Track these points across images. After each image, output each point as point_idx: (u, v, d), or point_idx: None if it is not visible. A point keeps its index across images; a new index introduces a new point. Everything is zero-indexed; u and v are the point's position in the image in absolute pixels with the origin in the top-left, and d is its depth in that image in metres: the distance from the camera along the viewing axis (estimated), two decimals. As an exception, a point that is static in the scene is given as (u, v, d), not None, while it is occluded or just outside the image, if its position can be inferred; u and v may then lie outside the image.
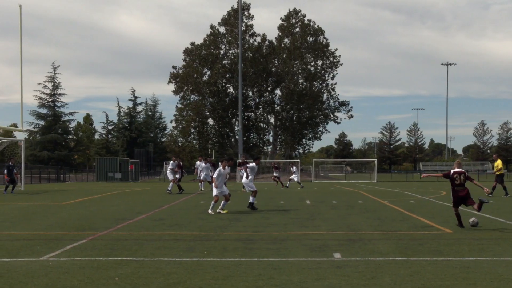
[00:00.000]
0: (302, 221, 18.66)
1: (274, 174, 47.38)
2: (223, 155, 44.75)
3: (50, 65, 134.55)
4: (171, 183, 37.45)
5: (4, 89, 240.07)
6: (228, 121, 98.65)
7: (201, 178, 39.62)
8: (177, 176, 37.49)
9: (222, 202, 21.77)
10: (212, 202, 21.69)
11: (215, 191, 21.55)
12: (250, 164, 25.59)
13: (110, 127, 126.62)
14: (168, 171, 38.31)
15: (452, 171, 16.83)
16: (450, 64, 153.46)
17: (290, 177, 49.48)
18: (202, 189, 40.12)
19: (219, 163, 22.68)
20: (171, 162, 38.35)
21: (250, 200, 23.55)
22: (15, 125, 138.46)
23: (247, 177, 24.88)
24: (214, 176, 21.67)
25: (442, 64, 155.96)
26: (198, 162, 40.97)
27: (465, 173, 16.84)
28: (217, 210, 21.50)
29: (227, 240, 14.17)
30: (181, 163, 38.66)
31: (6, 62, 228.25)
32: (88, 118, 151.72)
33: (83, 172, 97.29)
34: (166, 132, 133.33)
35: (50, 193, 38.85)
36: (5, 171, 39.96)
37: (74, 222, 18.56)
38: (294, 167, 50.04)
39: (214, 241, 13.97)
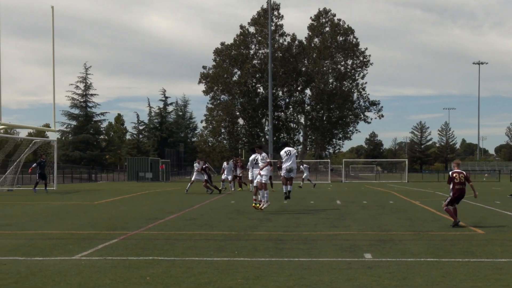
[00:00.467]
0: (332, 221, 18.60)
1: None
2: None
3: (82, 66, 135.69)
4: (189, 183, 38.05)
5: (37, 90, 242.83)
6: (258, 121, 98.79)
7: (222, 178, 40.31)
8: (205, 177, 37.39)
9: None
10: (265, 194, 22.00)
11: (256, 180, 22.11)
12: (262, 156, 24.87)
13: (141, 127, 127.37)
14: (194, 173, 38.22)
15: (451, 172, 17.21)
16: (482, 63, 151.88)
17: (303, 177, 48.68)
18: (233, 189, 40.43)
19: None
20: (195, 163, 38.32)
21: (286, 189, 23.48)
22: (47, 125, 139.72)
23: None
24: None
25: (473, 63, 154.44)
26: (225, 164, 41.21)
27: (464, 173, 17.16)
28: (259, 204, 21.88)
29: (258, 240, 14.16)
30: (206, 165, 38.33)
31: (39, 63, 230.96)
32: (119, 118, 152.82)
33: (115, 172, 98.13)
34: (196, 132, 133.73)
35: (82, 193, 39.19)
36: (34, 165, 40.37)
37: (106, 221, 18.70)
38: (304, 165, 49.55)
39: (245, 241, 13.97)
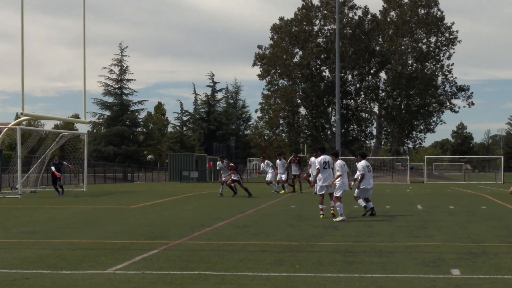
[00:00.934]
0: (412, 230, 18.45)
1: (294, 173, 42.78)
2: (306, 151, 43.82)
3: (116, 47, 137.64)
4: (221, 185, 37.81)
5: (65, 75, 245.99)
6: (323, 110, 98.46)
7: (277, 178, 40.46)
8: (234, 177, 37.30)
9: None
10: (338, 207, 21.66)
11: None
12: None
13: (185, 118, 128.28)
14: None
15: None
16: None
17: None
18: (276, 190, 40.56)
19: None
20: (218, 162, 38.32)
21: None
22: (76, 116, 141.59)
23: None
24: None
25: None
26: (277, 161, 41.24)
27: None
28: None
29: (323, 251, 14.13)
30: (232, 164, 38.20)
31: (68, 44, 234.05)
32: (159, 108, 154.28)
33: (154, 170, 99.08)
34: (250, 123, 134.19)
35: (116, 195, 39.69)
36: (53, 168, 40.90)
37: (144, 229, 18.88)
38: (266, 163, 43.65)
39: (307, 252, 13.95)
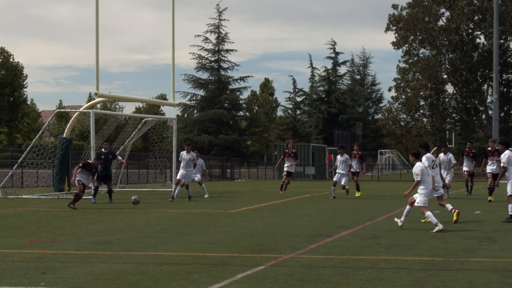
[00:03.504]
0: None
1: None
2: (469, 140, 42.81)
3: (213, 9, 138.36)
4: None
5: (149, 45, 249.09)
6: (477, 88, 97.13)
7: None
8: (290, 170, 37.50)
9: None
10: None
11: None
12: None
13: (298, 99, 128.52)
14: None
15: None
16: None
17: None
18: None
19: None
20: (338, 156, 38.07)
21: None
22: (163, 97, 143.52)
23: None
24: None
25: None
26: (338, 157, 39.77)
27: None
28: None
29: (475, 270, 14.01)
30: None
31: (152, 7, 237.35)
32: (267, 86, 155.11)
33: (260, 165, 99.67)
34: (381, 105, 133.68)
35: (213, 196, 40.03)
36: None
37: (247, 239, 19.05)
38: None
39: (456, 271, 13.85)
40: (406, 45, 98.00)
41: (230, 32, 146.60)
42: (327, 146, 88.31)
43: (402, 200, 35.17)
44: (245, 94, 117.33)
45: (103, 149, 36.41)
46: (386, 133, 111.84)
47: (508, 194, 23.85)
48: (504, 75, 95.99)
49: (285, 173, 39.03)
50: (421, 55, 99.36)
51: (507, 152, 23.87)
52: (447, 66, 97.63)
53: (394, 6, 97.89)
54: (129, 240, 19.03)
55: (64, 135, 42.68)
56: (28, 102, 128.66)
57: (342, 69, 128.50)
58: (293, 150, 39.51)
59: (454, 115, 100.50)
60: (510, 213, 23.64)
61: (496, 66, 77.30)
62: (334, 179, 38.14)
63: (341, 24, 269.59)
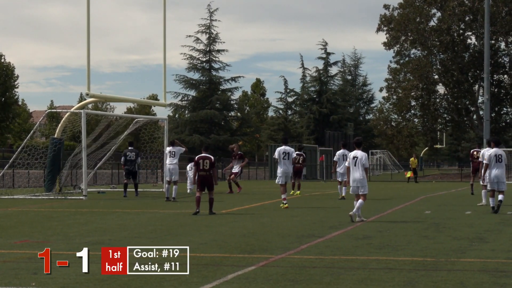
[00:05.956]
0: None
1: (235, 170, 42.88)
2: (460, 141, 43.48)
3: (204, 9, 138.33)
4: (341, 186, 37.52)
5: (140, 45, 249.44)
6: (468, 89, 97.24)
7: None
8: (236, 170, 37.82)
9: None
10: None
11: None
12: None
13: (290, 99, 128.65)
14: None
15: None
16: None
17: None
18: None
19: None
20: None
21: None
22: (154, 98, 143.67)
23: None
24: None
25: None
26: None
27: None
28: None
29: (466, 270, 14.06)
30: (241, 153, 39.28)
31: (143, 7, 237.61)
32: (258, 86, 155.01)
33: (251, 165, 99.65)
34: (373, 106, 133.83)
35: (204, 197, 40.04)
36: (122, 159, 40.79)
37: (238, 239, 19.07)
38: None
39: (447, 271, 13.89)
40: (397, 46, 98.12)
41: (221, 33, 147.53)
42: (318, 147, 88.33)
43: (394, 200, 35.24)
44: (237, 95, 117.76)
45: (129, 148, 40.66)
46: (377, 134, 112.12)
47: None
48: (495, 76, 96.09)
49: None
50: (412, 56, 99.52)
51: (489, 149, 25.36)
52: (438, 66, 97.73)
53: (386, 7, 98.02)
54: (120, 240, 19.02)
55: (56, 136, 42.66)
56: (19, 103, 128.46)
57: (334, 70, 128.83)
58: (239, 152, 42.32)
59: (445, 115, 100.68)
60: (491, 205, 24.57)
61: (487, 66, 77.35)
62: (338, 178, 37.90)
63: (332, 24, 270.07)
